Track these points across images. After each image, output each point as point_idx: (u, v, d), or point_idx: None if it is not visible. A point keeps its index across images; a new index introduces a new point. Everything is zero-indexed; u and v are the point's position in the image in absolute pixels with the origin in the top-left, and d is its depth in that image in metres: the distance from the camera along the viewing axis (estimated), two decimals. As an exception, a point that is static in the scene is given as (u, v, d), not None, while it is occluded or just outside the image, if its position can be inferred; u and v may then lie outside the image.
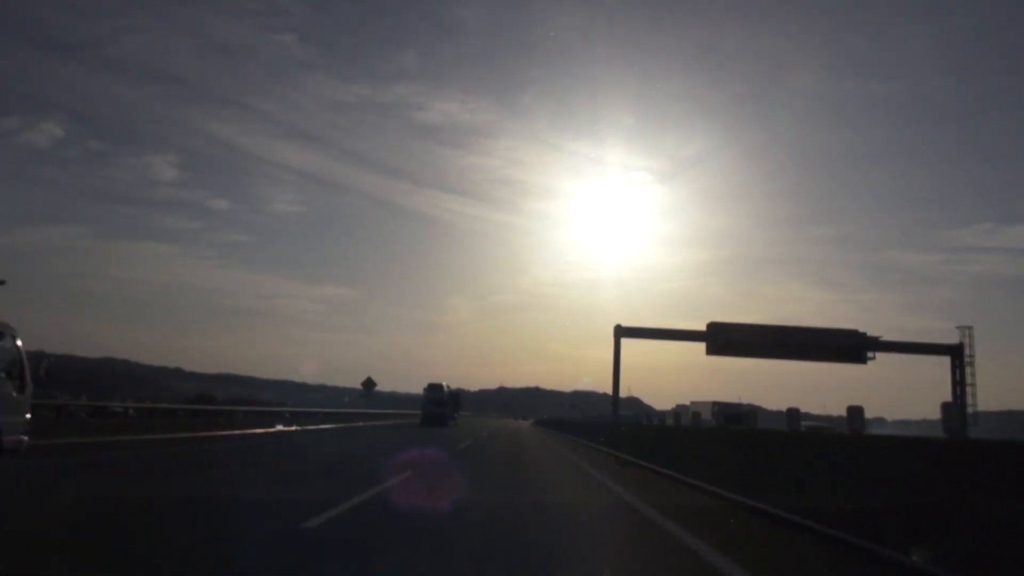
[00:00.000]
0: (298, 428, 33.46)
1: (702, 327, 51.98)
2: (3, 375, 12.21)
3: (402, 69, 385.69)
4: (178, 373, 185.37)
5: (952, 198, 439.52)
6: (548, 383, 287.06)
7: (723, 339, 50.59)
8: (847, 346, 49.50)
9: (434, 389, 52.55)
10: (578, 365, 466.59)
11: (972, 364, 49.07)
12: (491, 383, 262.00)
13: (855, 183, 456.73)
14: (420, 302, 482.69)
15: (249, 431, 26.48)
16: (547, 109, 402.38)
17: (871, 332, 52.36)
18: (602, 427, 34.86)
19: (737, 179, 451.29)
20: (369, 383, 51.65)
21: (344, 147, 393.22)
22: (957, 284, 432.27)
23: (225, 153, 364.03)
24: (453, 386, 62.33)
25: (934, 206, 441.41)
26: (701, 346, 50.94)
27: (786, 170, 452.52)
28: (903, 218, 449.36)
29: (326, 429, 34.31)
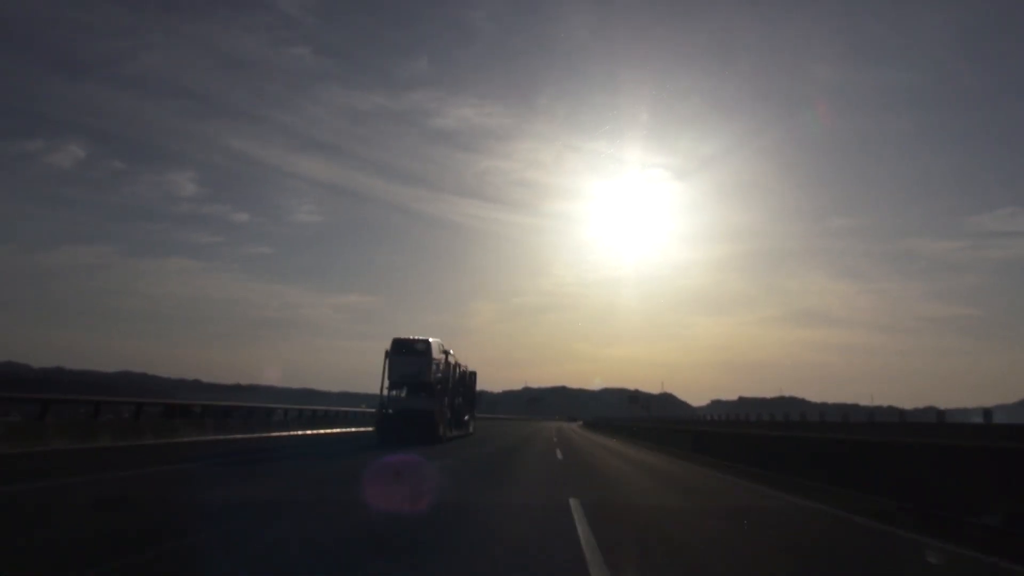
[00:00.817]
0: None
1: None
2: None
3: (416, 76, 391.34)
4: (196, 385, 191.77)
5: (973, 183, 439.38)
6: (574, 382, 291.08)
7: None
8: None
9: (407, 353, 23.35)
10: (602, 364, 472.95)
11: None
12: (516, 384, 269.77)
13: (875, 173, 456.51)
14: (443, 307, 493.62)
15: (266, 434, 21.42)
16: (563, 110, 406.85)
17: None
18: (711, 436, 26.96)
19: (755, 173, 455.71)
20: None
21: (362, 156, 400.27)
22: (982, 270, 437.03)
23: (244, 167, 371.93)
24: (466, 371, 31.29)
25: (955, 192, 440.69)
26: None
27: (804, 162, 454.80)
28: (924, 205, 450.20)
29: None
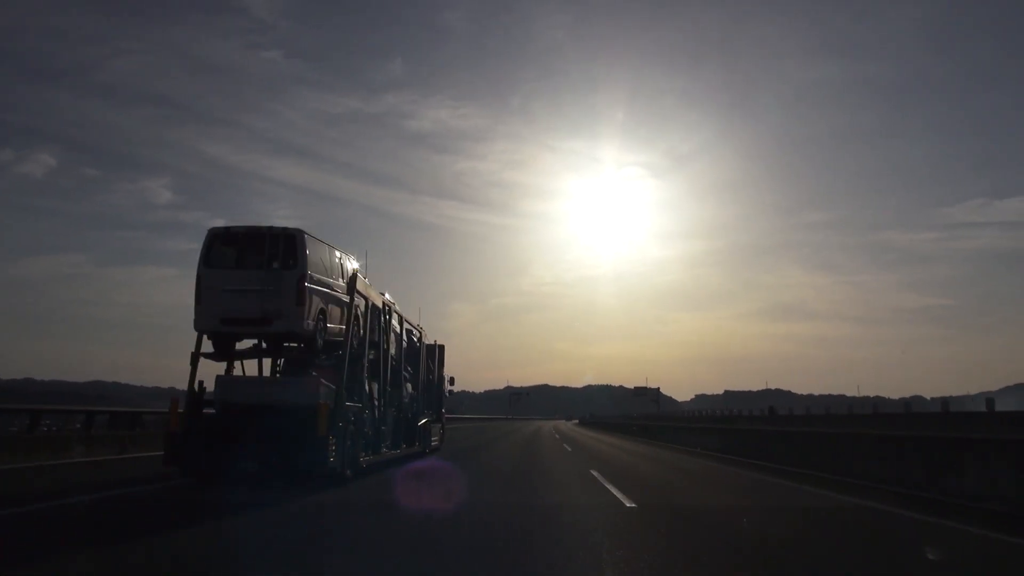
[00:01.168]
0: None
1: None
2: None
3: (390, 79, 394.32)
4: (172, 392, 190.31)
5: (943, 175, 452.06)
6: (557, 380, 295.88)
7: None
8: None
9: (241, 263, 10.66)
10: (585, 363, 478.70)
11: None
12: (497, 384, 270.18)
13: (847, 166, 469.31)
14: (422, 309, 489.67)
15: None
16: (538, 109, 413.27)
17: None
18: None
19: (730, 170, 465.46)
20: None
21: (337, 159, 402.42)
22: (953, 260, 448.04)
23: (219, 172, 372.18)
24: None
25: (926, 184, 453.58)
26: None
27: (778, 158, 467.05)
28: (896, 198, 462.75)
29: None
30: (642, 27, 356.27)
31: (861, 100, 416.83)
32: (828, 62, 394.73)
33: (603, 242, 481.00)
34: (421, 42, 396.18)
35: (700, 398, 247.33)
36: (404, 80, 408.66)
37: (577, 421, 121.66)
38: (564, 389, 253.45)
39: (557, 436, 36.99)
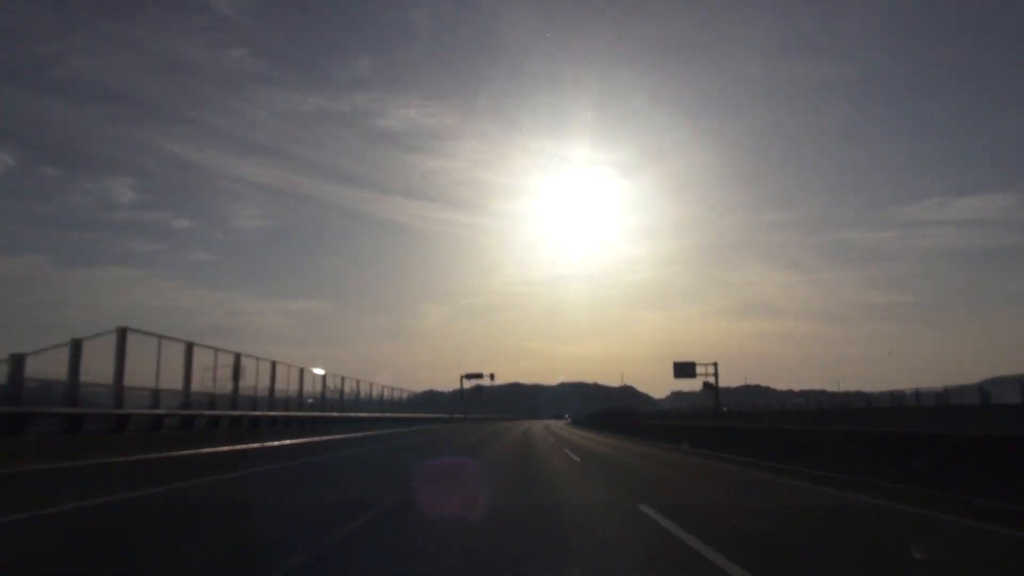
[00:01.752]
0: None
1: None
2: None
3: (357, 77, 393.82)
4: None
5: (902, 175, 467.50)
6: (529, 379, 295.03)
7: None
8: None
9: None
10: (555, 361, 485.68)
11: None
12: (466, 383, 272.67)
13: (809, 166, 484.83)
14: (393, 310, 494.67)
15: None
16: (507, 108, 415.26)
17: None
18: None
19: (697, 169, 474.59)
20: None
21: (304, 159, 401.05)
22: (912, 258, 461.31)
23: (183, 172, 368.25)
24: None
25: (885, 183, 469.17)
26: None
27: (743, 157, 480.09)
28: (855, 198, 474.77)
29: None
30: (610, 25, 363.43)
31: (823, 100, 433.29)
32: (792, 62, 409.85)
33: (573, 241, 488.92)
34: (387, 40, 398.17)
35: (676, 395, 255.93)
36: (371, 79, 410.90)
37: (568, 420, 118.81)
38: (537, 387, 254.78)
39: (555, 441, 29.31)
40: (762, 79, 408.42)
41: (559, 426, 76.23)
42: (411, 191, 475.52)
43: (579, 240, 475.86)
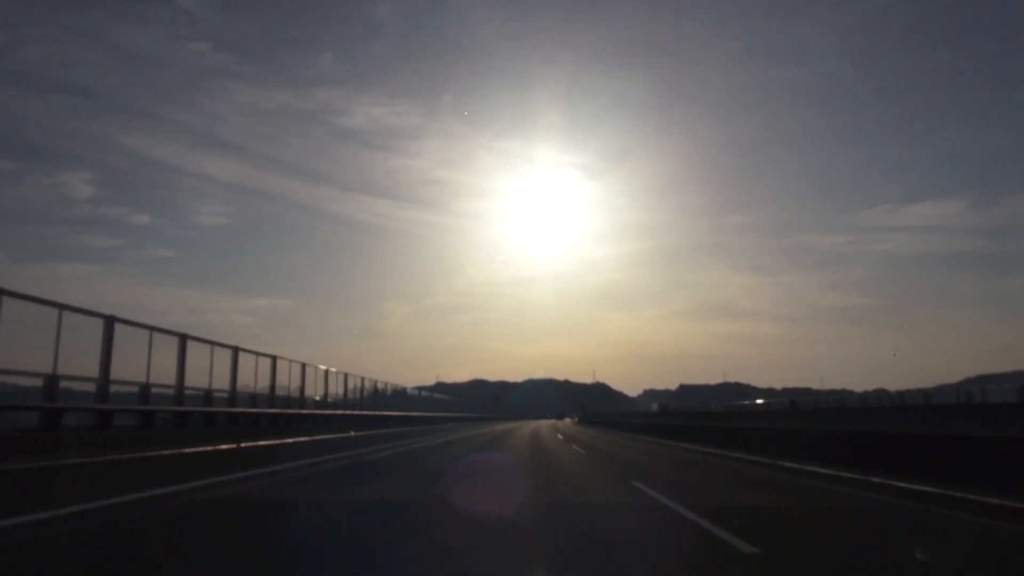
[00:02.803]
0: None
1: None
2: None
3: (322, 74, 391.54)
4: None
5: (856, 180, 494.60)
6: (494, 376, 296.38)
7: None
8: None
9: None
10: (520, 361, 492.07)
11: None
12: (428, 381, 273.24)
13: (768, 170, 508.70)
14: (356, 309, 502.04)
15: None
16: (473, 108, 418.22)
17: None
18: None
19: (660, 172, 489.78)
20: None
21: (268, 155, 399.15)
22: (868, 262, 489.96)
23: (142, 166, 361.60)
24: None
25: (840, 189, 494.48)
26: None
27: (705, 160, 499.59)
28: (812, 203, 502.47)
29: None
30: (576, 27, 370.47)
31: (783, 105, 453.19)
32: (754, 68, 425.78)
33: (538, 242, 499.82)
34: (352, 37, 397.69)
35: (649, 393, 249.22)
36: (336, 76, 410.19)
37: (576, 419, 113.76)
38: (503, 384, 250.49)
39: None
40: (725, 84, 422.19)
41: (574, 429, 55.45)
42: (375, 189, 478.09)
43: (545, 241, 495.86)
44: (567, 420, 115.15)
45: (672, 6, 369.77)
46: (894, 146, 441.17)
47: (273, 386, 26.54)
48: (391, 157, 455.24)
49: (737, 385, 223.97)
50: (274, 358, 26.61)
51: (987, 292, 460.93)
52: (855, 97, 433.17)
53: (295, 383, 29.18)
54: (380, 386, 45.48)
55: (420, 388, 63.08)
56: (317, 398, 32.03)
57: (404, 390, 53.94)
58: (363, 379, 41.03)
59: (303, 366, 29.82)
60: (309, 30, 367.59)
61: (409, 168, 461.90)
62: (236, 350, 23.31)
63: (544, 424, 71.60)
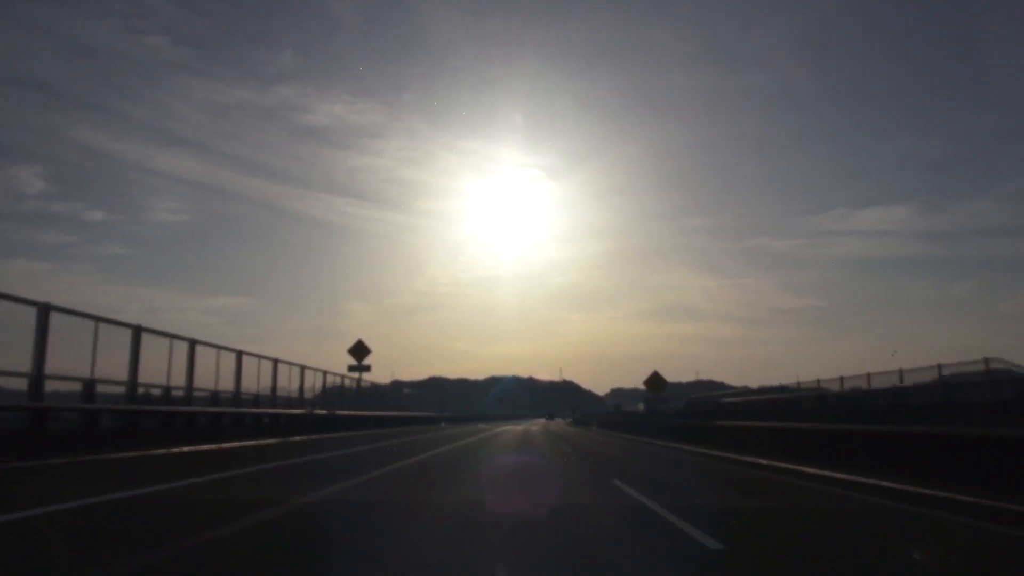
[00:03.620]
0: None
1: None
2: None
3: (282, 71, 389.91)
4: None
5: (811, 185, 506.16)
6: (453, 375, 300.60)
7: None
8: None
9: None
10: (484, 362, 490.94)
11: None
12: (384, 379, 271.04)
13: (725, 174, 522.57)
14: (316, 308, 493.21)
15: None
16: (434, 106, 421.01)
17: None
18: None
19: (621, 173, 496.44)
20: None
21: (227, 152, 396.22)
22: (821, 265, 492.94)
23: (97, 162, 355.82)
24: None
25: (794, 193, 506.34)
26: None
27: (665, 162, 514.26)
28: (767, 207, 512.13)
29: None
30: (538, 27, 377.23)
31: (741, 109, 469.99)
32: (711, 71, 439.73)
33: (501, 243, 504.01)
34: (311, 33, 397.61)
35: (617, 391, 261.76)
36: (296, 72, 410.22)
37: (569, 421, 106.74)
38: (461, 382, 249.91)
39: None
40: (685, 87, 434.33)
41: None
42: (336, 188, 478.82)
43: (508, 242, 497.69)
44: (558, 421, 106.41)
45: (633, 8, 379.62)
46: (847, 152, 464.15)
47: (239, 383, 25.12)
48: (352, 155, 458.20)
49: (711, 383, 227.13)
50: (239, 353, 25.03)
51: (940, 296, 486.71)
52: (810, 103, 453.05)
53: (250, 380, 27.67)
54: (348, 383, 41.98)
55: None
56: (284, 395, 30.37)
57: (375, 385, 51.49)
58: (325, 373, 37.82)
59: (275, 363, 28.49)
60: (269, 26, 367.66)
61: (371, 167, 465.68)
62: (192, 343, 21.80)
63: (535, 429, 56.71)
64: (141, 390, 18.66)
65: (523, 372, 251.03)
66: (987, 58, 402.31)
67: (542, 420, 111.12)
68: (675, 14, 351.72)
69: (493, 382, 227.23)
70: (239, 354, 25.00)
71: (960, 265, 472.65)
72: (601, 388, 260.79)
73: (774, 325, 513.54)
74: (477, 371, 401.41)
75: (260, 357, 27.24)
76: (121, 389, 17.84)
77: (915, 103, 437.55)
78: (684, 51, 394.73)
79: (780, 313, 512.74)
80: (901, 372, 29.00)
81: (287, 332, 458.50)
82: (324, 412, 34.26)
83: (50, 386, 15.04)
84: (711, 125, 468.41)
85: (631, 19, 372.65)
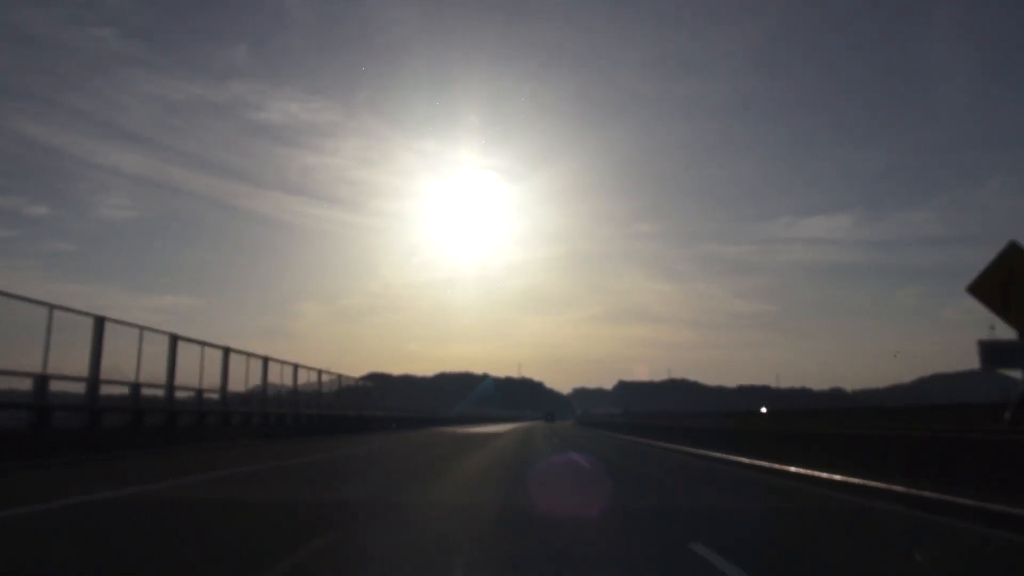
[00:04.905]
0: None
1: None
2: None
3: (235, 66, 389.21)
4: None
5: (757, 193, 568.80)
6: (396, 371, 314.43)
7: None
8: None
9: None
10: (438, 363, 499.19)
11: None
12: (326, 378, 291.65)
13: (675, 180, 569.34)
14: (268, 308, 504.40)
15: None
16: (390, 106, 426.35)
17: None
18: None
19: (577, 177, 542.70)
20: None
21: (176, 148, 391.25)
22: (770, 271, 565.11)
23: (40, 155, 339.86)
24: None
25: (742, 200, 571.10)
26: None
27: (617, 168, 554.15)
28: (718, 212, 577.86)
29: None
30: (495, 28, 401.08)
31: (692, 117, 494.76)
32: (663, 78, 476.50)
33: (458, 244, 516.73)
34: (265, 29, 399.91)
35: (580, 391, 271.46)
36: (250, 69, 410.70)
37: (573, 421, 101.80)
38: (406, 379, 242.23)
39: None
40: (637, 93, 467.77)
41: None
42: (290, 187, 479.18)
43: (463, 243, 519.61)
44: (557, 423, 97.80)
45: (587, 13, 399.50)
46: (791, 161, 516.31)
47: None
48: (306, 154, 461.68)
49: (684, 382, 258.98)
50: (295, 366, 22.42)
51: (886, 302, 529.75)
52: (757, 112, 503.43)
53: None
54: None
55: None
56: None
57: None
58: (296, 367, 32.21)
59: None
60: (220, 20, 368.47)
61: (325, 166, 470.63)
62: (141, 330, 18.84)
63: (577, 435, 42.25)
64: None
65: (477, 370, 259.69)
66: (924, 75, 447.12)
67: (525, 423, 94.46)
68: (629, 21, 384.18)
69: (442, 379, 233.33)
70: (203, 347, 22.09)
71: (901, 273, 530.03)
72: (563, 387, 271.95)
73: (728, 329, 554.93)
74: (425, 368, 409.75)
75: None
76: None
77: (855, 116, 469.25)
78: (638, 57, 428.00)
79: (734, 317, 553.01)
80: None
81: (238, 332, 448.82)
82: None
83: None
84: (661, 130, 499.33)
85: (586, 24, 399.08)
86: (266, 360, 27.88)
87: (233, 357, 25.07)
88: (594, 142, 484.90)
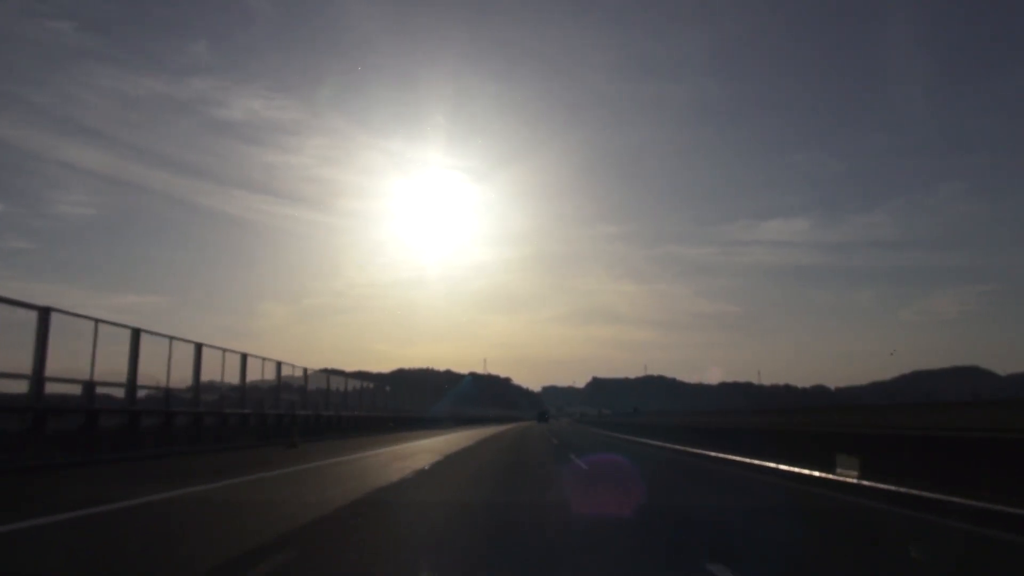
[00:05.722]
0: None
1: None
2: None
3: (196, 62, 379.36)
4: None
5: (718, 195, 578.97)
6: (349, 366, 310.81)
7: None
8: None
9: None
10: (404, 362, 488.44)
11: None
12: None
13: (638, 181, 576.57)
14: (230, 308, 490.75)
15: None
16: (355, 104, 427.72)
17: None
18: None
19: (541, 177, 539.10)
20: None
21: (136, 145, 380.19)
22: (732, 273, 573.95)
23: None
24: None
25: (705, 203, 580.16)
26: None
27: (581, 169, 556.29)
28: (679, 214, 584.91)
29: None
30: (461, 27, 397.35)
31: (655, 119, 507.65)
32: (627, 79, 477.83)
33: (423, 244, 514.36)
34: (226, 24, 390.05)
35: (550, 389, 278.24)
36: (211, 64, 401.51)
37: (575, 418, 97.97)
38: (360, 375, 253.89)
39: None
40: (601, 94, 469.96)
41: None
42: (252, 184, 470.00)
43: (429, 243, 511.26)
44: (562, 420, 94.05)
45: (552, 14, 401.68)
46: (750, 164, 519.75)
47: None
48: (269, 152, 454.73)
49: (661, 379, 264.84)
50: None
51: (843, 303, 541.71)
52: (718, 115, 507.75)
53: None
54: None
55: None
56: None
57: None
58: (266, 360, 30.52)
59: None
60: (181, 14, 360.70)
61: (288, 164, 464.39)
62: (97, 322, 17.58)
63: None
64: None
65: (440, 367, 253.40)
66: (880, 80, 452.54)
67: (511, 425, 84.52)
68: (594, 23, 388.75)
69: (400, 374, 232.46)
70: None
71: (857, 275, 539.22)
72: (532, 385, 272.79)
73: (692, 330, 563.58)
74: (382, 366, 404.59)
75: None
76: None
77: (811, 120, 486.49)
78: (603, 59, 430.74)
79: (697, 318, 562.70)
80: None
81: (198, 332, 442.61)
82: None
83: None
84: (624, 132, 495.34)
85: (551, 25, 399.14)
86: (244, 356, 27.72)
87: (206, 351, 24.42)
88: (559, 143, 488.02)
